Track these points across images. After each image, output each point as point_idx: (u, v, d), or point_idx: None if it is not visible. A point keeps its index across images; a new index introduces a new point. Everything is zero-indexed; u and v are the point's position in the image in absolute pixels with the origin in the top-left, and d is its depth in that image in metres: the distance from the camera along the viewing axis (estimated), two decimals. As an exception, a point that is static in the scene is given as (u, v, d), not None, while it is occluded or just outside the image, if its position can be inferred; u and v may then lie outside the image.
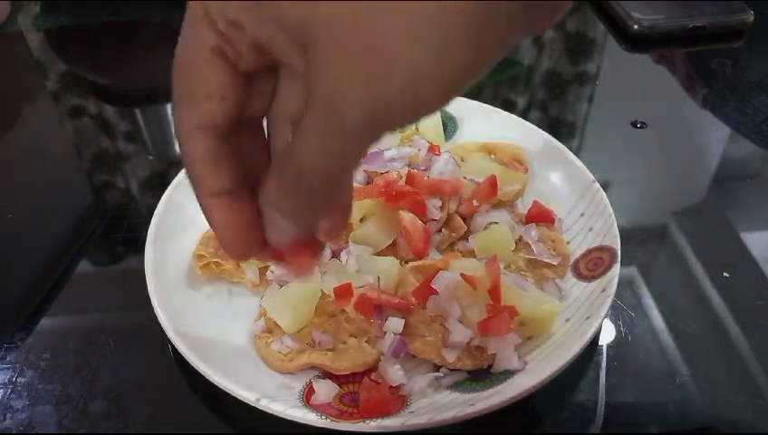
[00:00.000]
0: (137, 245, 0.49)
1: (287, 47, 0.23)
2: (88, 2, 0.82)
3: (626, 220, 0.49)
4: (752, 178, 0.60)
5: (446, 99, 0.22)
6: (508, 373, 0.40)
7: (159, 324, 0.41)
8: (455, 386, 0.40)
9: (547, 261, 0.47)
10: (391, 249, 0.47)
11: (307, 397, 0.39)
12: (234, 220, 0.27)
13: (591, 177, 0.50)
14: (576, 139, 0.64)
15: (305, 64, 0.22)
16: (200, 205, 0.27)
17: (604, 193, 0.49)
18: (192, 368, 0.39)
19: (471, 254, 0.47)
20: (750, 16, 0.73)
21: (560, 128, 0.64)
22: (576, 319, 0.42)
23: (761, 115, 0.64)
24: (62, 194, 0.59)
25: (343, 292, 0.42)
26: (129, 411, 0.41)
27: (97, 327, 0.45)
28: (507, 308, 0.40)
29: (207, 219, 0.27)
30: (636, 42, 0.73)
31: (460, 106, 0.58)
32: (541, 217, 0.50)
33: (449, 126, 0.58)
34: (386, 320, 0.42)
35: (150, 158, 0.62)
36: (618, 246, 0.45)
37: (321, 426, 0.37)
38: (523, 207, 0.51)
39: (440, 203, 0.48)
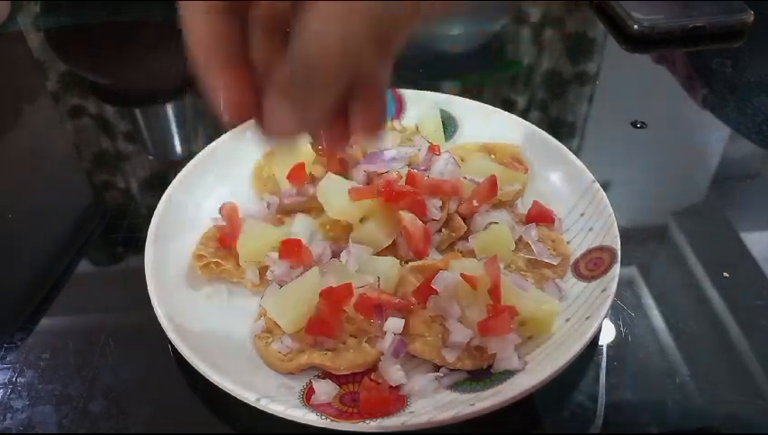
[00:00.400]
0: (137, 245, 0.49)
1: None
2: (88, 2, 0.82)
3: (626, 220, 0.49)
4: (752, 178, 0.60)
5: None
6: (508, 373, 0.40)
7: (159, 324, 0.41)
8: (455, 386, 0.40)
9: (547, 261, 0.47)
10: (391, 249, 0.47)
11: (307, 397, 0.39)
12: (235, 78, 0.27)
13: (591, 177, 0.50)
14: (576, 139, 0.64)
15: None
16: (202, 75, 0.27)
17: (604, 193, 0.49)
18: (192, 368, 0.39)
19: (471, 254, 0.47)
20: (750, 16, 0.73)
21: (560, 128, 0.64)
22: (576, 319, 0.42)
23: (761, 115, 0.64)
24: (62, 194, 0.59)
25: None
26: (129, 411, 0.41)
27: (97, 327, 0.45)
28: (507, 308, 0.40)
29: (207, 87, 0.27)
30: (636, 42, 0.73)
31: (460, 106, 0.58)
32: (541, 217, 0.50)
33: (449, 126, 0.58)
34: (386, 320, 0.42)
35: (150, 158, 0.62)
36: (618, 246, 0.45)
37: (321, 426, 0.37)
38: (523, 207, 0.51)
39: (440, 203, 0.48)
